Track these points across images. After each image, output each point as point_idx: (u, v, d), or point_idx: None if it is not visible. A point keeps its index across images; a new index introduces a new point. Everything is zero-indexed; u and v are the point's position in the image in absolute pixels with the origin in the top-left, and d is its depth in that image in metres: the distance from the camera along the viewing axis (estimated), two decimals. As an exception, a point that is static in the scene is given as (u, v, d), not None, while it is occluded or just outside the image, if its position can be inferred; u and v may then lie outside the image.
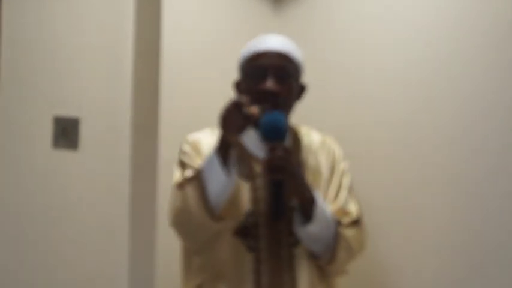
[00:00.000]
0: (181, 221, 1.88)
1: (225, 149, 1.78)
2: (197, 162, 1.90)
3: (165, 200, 2.41)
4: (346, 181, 1.97)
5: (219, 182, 1.77)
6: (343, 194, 1.94)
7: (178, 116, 2.49)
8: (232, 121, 1.76)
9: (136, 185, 2.52)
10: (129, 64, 2.56)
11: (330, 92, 2.51)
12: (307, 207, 1.82)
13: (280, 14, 2.78)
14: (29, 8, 2.44)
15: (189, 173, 1.87)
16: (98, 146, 2.49)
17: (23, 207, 2.38)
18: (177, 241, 2.42)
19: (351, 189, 1.97)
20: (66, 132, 2.44)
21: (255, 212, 1.86)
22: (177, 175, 1.93)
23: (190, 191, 1.81)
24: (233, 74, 2.46)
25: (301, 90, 1.98)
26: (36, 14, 2.45)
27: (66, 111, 2.46)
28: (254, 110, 1.75)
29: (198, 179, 1.79)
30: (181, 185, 1.85)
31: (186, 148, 1.97)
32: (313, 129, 2.06)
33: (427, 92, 2.23)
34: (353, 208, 1.93)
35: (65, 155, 2.44)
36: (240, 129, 1.78)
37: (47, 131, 2.42)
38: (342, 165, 1.99)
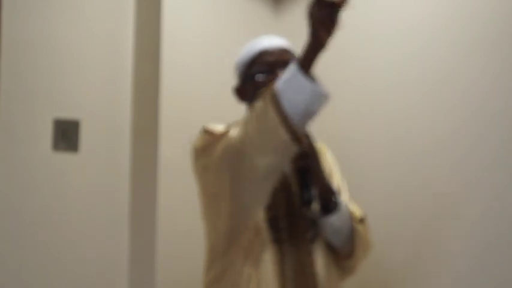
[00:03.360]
0: (244, 154, 1.66)
1: (314, 56, 1.62)
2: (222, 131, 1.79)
3: (165, 201, 2.43)
4: (344, 184, 1.97)
5: (303, 91, 1.58)
6: (345, 195, 1.94)
7: (178, 117, 2.49)
8: (325, 17, 1.60)
9: (137, 186, 2.52)
10: (129, 66, 2.56)
11: (329, 92, 2.50)
12: (328, 197, 1.82)
13: (280, 14, 2.78)
14: (29, 10, 2.44)
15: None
16: (98, 148, 2.50)
17: (24, 209, 2.38)
18: (177, 241, 2.43)
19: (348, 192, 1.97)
20: (66, 135, 2.45)
21: (275, 205, 1.84)
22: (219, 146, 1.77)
23: (263, 112, 1.60)
24: (233, 74, 2.44)
25: None
26: (37, 16, 2.45)
27: (66, 113, 2.46)
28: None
29: (272, 97, 1.59)
30: (245, 122, 1.67)
31: (207, 136, 1.84)
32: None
33: (427, 92, 2.23)
34: (356, 208, 1.93)
35: (65, 157, 2.44)
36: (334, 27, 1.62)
37: (47, 133, 2.42)
38: (336, 168, 1.99)
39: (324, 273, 1.84)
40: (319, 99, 1.62)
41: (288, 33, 2.70)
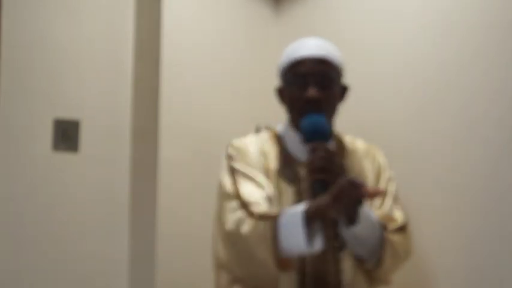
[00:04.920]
0: (238, 245, 1.81)
1: (318, 215, 1.72)
2: (249, 169, 1.87)
3: (165, 201, 2.43)
4: (391, 189, 1.96)
5: (296, 244, 1.71)
6: (389, 201, 1.93)
7: (178, 117, 2.49)
8: (347, 200, 1.69)
9: (136, 187, 2.52)
10: (129, 66, 2.56)
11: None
12: (350, 208, 1.77)
13: (280, 14, 2.77)
14: (29, 10, 2.44)
15: (251, 191, 1.84)
16: (98, 148, 2.49)
17: (24, 209, 2.38)
18: (176, 241, 2.43)
19: (396, 197, 1.96)
20: (66, 135, 2.44)
21: None
22: (228, 183, 1.88)
23: (261, 229, 1.75)
24: (233, 74, 2.47)
25: (343, 91, 1.98)
26: (36, 16, 2.45)
27: (66, 113, 2.46)
28: (377, 190, 1.77)
29: (272, 225, 1.74)
30: (252, 214, 1.79)
31: (233, 153, 1.92)
32: (358, 138, 2.06)
33: (430, 97, 2.23)
34: (398, 215, 1.92)
35: (65, 158, 2.44)
36: (352, 210, 1.73)
37: (47, 133, 2.42)
38: (388, 173, 1.98)
39: (351, 282, 1.84)
40: (310, 251, 1.72)
41: (288, 33, 2.72)
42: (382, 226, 1.85)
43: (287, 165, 1.90)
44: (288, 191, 1.86)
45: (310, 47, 1.94)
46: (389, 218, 1.89)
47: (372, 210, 1.86)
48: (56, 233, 2.41)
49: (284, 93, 1.96)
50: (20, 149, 2.39)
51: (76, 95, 2.48)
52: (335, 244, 1.84)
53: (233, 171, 1.90)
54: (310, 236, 1.70)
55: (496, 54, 2.06)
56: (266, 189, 1.85)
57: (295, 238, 1.70)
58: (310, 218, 1.70)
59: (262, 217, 1.77)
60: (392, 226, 1.88)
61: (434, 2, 2.25)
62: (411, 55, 2.29)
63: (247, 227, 1.76)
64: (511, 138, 2.00)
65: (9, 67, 2.38)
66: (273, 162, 1.91)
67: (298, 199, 1.86)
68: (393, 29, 2.36)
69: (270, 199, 1.84)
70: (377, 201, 1.91)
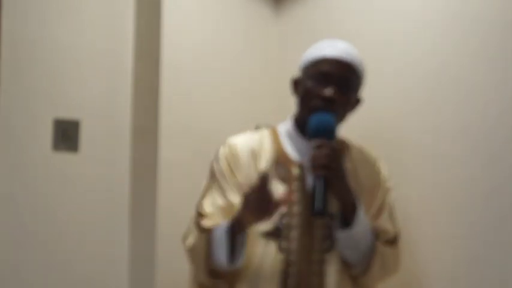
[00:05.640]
0: (187, 255, 1.96)
1: (240, 231, 1.79)
2: (226, 180, 1.91)
3: (165, 201, 2.43)
4: (389, 200, 1.97)
5: (221, 259, 1.80)
6: (385, 212, 1.94)
7: (178, 117, 2.48)
8: (259, 207, 1.75)
9: (136, 187, 2.52)
10: (129, 66, 2.56)
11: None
12: (348, 211, 1.81)
13: (280, 14, 2.77)
14: (29, 9, 2.44)
15: (210, 207, 1.90)
16: (98, 148, 2.49)
17: (24, 209, 2.38)
18: (176, 242, 2.42)
19: (392, 209, 1.97)
20: (66, 135, 2.44)
21: (290, 214, 1.85)
22: (204, 186, 1.96)
23: (200, 242, 1.86)
24: (233, 74, 2.47)
25: (356, 102, 1.98)
26: (37, 15, 2.45)
27: (66, 113, 2.46)
28: (289, 196, 1.79)
29: (208, 239, 1.83)
30: (198, 226, 1.88)
31: (222, 155, 1.95)
32: (362, 145, 2.06)
33: (429, 92, 2.23)
34: (391, 227, 1.93)
35: (65, 158, 2.44)
36: (267, 217, 1.78)
37: (47, 133, 2.42)
38: (387, 184, 1.99)
39: (337, 284, 1.84)
40: (231, 267, 1.80)
41: (288, 34, 2.72)
42: (375, 235, 1.86)
43: (281, 164, 1.90)
44: (280, 189, 1.86)
45: (340, 49, 1.94)
46: (381, 229, 1.90)
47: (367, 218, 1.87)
48: (56, 233, 2.41)
49: (300, 85, 1.96)
50: (20, 149, 2.39)
51: (76, 95, 2.48)
52: (322, 246, 1.85)
53: (212, 177, 1.95)
54: (233, 251, 1.78)
55: (496, 54, 2.06)
56: (230, 200, 1.89)
57: (221, 253, 1.79)
58: (234, 232, 1.78)
59: (203, 230, 1.86)
60: (383, 237, 1.89)
61: (434, 2, 2.25)
62: (411, 55, 2.29)
63: (190, 239, 1.89)
64: (511, 138, 2.01)
65: (9, 67, 2.38)
66: (265, 161, 1.91)
67: (301, 195, 1.87)
68: (393, 28, 2.36)
69: (230, 209, 1.87)
70: (374, 210, 1.92)
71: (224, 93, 2.61)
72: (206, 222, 1.86)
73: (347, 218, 1.81)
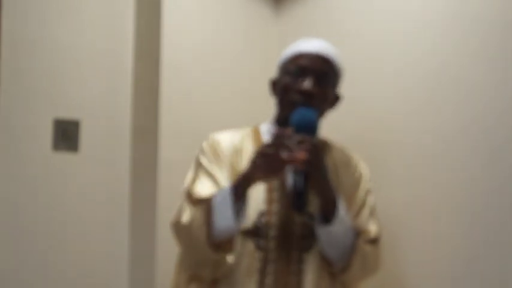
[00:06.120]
0: (181, 235, 1.87)
1: (245, 189, 1.76)
2: (214, 167, 1.89)
3: (165, 201, 2.43)
4: (370, 201, 1.95)
5: (225, 222, 1.74)
6: (365, 212, 1.92)
7: (178, 117, 2.49)
8: (269, 165, 1.72)
9: (136, 187, 2.52)
10: (129, 66, 2.56)
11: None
12: (329, 208, 1.80)
13: (280, 14, 2.77)
14: (29, 9, 2.44)
15: (202, 187, 1.86)
16: (98, 148, 2.50)
17: (24, 209, 2.38)
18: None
19: (373, 210, 1.95)
20: (66, 135, 2.45)
21: (269, 212, 1.85)
22: (190, 176, 1.92)
23: (198, 214, 1.79)
24: (233, 74, 2.47)
25: (335, 99, 1.97)
26: (37, 15, 2.45)
27: (66, 113, 2.46)
28: (302, 155, 1.71)
29: (207, 207, 1.78)
30: (193, 201, 1.84)
31: (206, 147, 1.94)
32: (343, 145, 2.05)
33: (429, 93, 2.23)
34: (373, 228, 1.91)
35: (65, 158, 2.45)
36: (276, 174, 1.75)
37: (47, 133, 2.42)
38: (368, 185, 1.98)
39: (315, 283, 1.83)
40: (237, 226, 1.77)
41: (288, 33, 2.71)
42: (356, 233, 1.85)
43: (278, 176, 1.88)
44: (259, 187, 1.85)
45: (316, 44, 1.94)
46: (362, 228, 1.89)
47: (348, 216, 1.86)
48: (56, 232, 2.42)
49: (278, 84, 1.95)
50: (20, 149, 2.39)
51: (76, 95, 2.49)
52: (301, 245, 1.84)
53: (198, 166, 1.92)
54: (238, 211, 1.74)
55: (496, 54, 2.06)
56: (221, 184, 1.87)
57: (225, 215, 1.74)
58: (238, 191, 1.74)
59: (198, 202, 1.81)
60: (364, 237, 1.88)
61: (434, 2, 2.25)
62: (411, 55, 2.29)
63: (186, 215, 1.82)
64: (511, 138, 2.01)
65: (9, 67, 2.38)
66: (246, 159, 1.89)
67: (269, 196, 1.87)
68: (393, 28, 2.36)
69: None
70: (354, 210, 1.91)
71: (224, 93, 2.61)
72: (201, 195, 1.83)
73: (328, 215, 1.80)
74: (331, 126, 2.46)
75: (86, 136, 2.47)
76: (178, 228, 1.85)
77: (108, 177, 2.51)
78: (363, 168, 2.01)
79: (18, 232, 2.37)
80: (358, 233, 1.86)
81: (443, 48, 2.19)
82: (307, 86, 1.85)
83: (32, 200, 2.39)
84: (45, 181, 2.41)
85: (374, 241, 1.89)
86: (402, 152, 2.27)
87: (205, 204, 1.79)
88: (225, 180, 1.87)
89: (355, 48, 2.45)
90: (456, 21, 2.17)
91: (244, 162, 1.88)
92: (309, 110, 1.81)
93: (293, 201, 1.72)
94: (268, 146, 1.73)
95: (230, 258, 1.81)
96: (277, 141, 1.72)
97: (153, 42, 2.54)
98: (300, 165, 1.70)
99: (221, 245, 1.78)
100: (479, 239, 2.05)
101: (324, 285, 1.85)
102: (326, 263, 1.85)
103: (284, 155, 1.69)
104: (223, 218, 1.74)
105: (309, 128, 1.78)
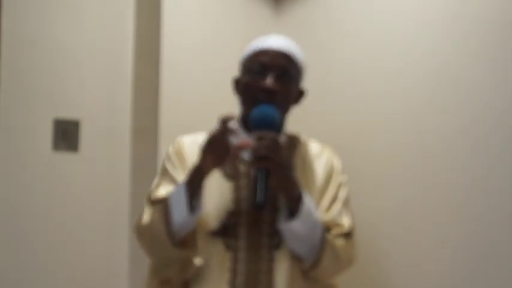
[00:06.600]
0: (143, 237, 1.88)
1: (199, 180, 1.76)
2: (178, 171, 1.89)
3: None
4: (342, 194, 1.93)
5: (181, 216, 1.75)
6: (337, 206, 1.90)
7: (178, 117, 2.49)
8: (217, 151, 1.73)
9: (136, 187, 2.52)
10: (129, 66, 2.56)
11: (330, 93, 2.50)
12: (294, 204, 1.78)
13: (280, 14, 2.77)
14: (29, 9, 2.44)
15: (163, 190, 1.87)
16: (98, 148, 2.50)
17: (24, 209, 2.38)
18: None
19: (346, 203, 1.93)
20: (66, 135, 2.45)
21: (236, 212, 1.84)
22: (155, 182, 1.93)
23: (156, 213, 1.81)
24: (233, 74, 2.44)
25: (299, 94, 1.96)
26: (37, 15, 2.45)
27: (66, 113, 2.46)
28: (247, 142, 1.72)
29: (164, 205, 1.78)
30: (151, 203, 1.86)
31: (171, 152, 1.95)
32: (313, 138, 2.04)
33: (429, 93, 2.23)
34: (346, 221, 1.89)
35: (65, 157, 2.45)
36: (224, 161, 1.75)
37: (47, 133, 2.42)
38: (340, 178, 1.95)
39: (286, 281, 1.82)
40: (193, 217, 1.77)
41: (288, 33, 2.70)
42: (325, 227, 1.83)
43: (227, 162, 1.85)
44: (227, 187, 1.85)
45: (276, 40, 1.93)
46: (335, 223, 1.87)
47: (317, 211, 1.84)
48: (55, 232, 2.42)
49: (240, 83, 1.95)
50: (20, 149, 2.39)
51: (76, 95, 2.49)
52: (271, 242, 1.83)
53: (163, 172, 1.93)
54: (194, 203, 1.75)
55: (496, 54, 2.06)
56: None
57: (180, 208, 1.75)
58: (193, 184, 1.75)
59: (156, 202, 1.83)
60: (337, 231, 1.85)
61: (434, 2, 2.25)
62: (411, 55, 2.29)
63: (146, 216, 1.84)
64: (511, 138, 2.01)
65: (9, 67, 2.39)
66: None
67: (237, 195, 1.86)
68: (393, 28, 2.36)
69: None
70: (325, 204, 1.89)
71: (224, 93, 2.60)
72: (159, 195, 1.85)
73: (293, 211, 1.78)
74: (331, 126, 2.47)
75: (86, 136, 2.48)
76: (140, 230, 1.87)
77: (108, 177, 2.51)
78: (336, 160, 1.99)
79: (18, 232, 2.37)
80: (328, 227, 1.84)
81: (443, 48, 2.19)
82: (268, 84, 1.84)
83: (32, 200, 2.39)
84: (45, 181, 2.42)
85: (347, 235, 1.87)
86: (402, 152, 2.27)
87: (162, 203, 1.80)
88: None
89: (355, 48, 2.45)
90: (456, 21, 2.17)
91: None
92: (268, 106, 1.79)
93: (254, 199, 1.71)
94: (214, 132, 1.73)
95: (198, 260, 1.80)
96: (222, 127, 1.71)
97: (153, 42, 2.54)
98: (259, 163, 1.71)
99: (184, 241, 1.79)
100: (479, 239, 2.05)
101: (296, 282, 1.83)
102: (297, 260, 1.84)
103: (230, 140, 1.71)
104: (179, 212, 1.75)
105: (269, 124, 1.76)
